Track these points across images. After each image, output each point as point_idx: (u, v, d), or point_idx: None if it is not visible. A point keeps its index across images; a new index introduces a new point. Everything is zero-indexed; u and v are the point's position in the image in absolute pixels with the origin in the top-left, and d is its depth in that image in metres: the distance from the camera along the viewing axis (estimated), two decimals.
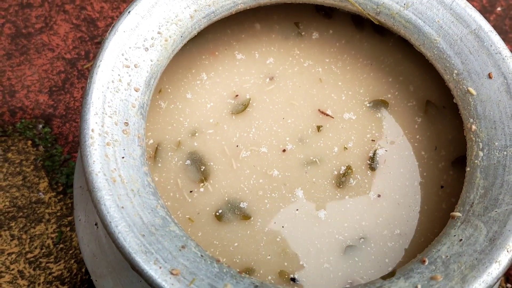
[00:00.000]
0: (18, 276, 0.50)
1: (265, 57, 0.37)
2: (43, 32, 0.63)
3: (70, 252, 0.51)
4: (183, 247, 0.25)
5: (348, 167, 0.33)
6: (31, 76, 0.60)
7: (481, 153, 0.28)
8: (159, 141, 0.31)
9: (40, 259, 0.51)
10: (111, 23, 0.63)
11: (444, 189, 0.33)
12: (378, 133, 0.35)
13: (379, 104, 0.36)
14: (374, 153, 0.34)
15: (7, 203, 0.53)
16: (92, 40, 0.62)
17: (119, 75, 0.28)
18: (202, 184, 0.31)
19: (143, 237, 0.24)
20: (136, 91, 0.28)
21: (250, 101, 0.34)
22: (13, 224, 0.52)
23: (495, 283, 0.24)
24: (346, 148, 0.34)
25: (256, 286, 0.24)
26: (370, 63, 0.37)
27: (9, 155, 0.56)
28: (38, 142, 0.56)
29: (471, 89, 0.30)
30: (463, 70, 0.31)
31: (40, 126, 0.57)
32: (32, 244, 0.51)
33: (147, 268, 0.23)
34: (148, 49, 0.29)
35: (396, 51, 0.37)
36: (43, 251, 0.51)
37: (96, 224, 0.32)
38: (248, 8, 0.33)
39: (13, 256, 0.51)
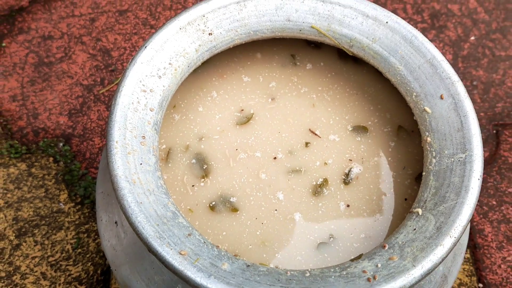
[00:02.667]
0: (41, 277, 0.55)
1: (268, 81, 0.43)
2: (63, 61, 0.69)
3: (87, 256, 0.56)
4: (189, 234, 0.31)
5: (325, 180, 0.38)
6: (52, 100, 0.66)
7: (434, 160, 0.34)
8: (171, 146, 0.37)
9: (61, 262, 0.55)
10: (123, 53, 0.69)
11: (407, 201, 0.38)
12: (356, 154, 0.40)
13: (360, 129, 0.41)
14: (349, 171, 0.39)
15: (31, 213, 0.58)
16: (107, 68, 0.68)
17: (137, 98, 0.34)
18: (203, 179, 0.36)
19: (157, 226, 0.30)
20: (151, 111, 0.35)
21: (253, 115, 0.40)
22: (36, 231, 0.57)
23: (440, 262, 0.30)
24: (326, 164, 0.39)
25: (248, 266, 0.30)
26: (356, 93, 0.43)
27: (33, 170, 0.61)
28: (58, 158, 0.62)
29: (427, 108, 0.36)
30: (420, 92, 0.37)
31: (61, 144, 0.62)
32: (54, 249, 0.56)
33: (161, 250, 0.29)
34: (161, 77, 0.35)
35: (376, 82, 0.42)
36: (63, 255, 0.56)
37: (116, 222, 0.38)
38: (244, 42, 0.40)
39: (36, 259, 0.55)
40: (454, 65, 0.66)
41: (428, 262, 0.30)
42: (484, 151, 0.60)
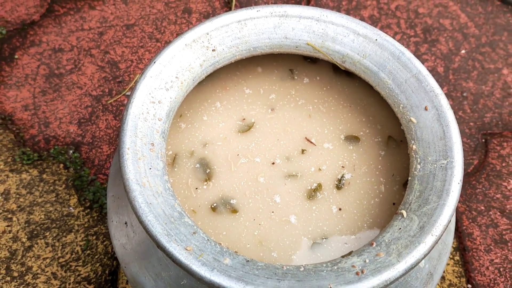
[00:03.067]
0: (51, 277, 0.57)
1: (268, 93, 0.46)
2: (73, 72, 0.72)
3: (96, 257, 0.58)
4: (194, 233, 0.34)
5: (319, 185, 0.41)
6: (63, 110, 0.69)
7: (418, 166, 0.37)
8: (177, 152, 0.40)
9: (70, 263, 0.58)
10: (130, 65, 0.72)
11: (395, 205, 0.40)
12: (348, 162, 0.42)
13: (352, 139, 0.44)
14: (342, 177, 0.42)
15: (43, 216, 0.61)
16: (115, 80, 0.71)
17: (147, 108, 0.37)
18: (205, 183, 0.39)
19: (165, 224, 0.33)
20: (159, 120, 0.38)
21: (254, 124, 0.43)
22: (47, 234, 0.60)
23: (422, 258, 0.33)
24: (321, 170, 0.42)
25: (247, 261, 0.33)
26: (349, 105, 0.46)
27: (44, 176, 0.64)
28: (69, 165, 0.65)
29: (412, 119, 0.39)
30: (407, 104, 0.40)
31: (71, 152, 0.65)
32: (64, 250, 0.59)
33: (169, 246, 0.32)
34: (168, 90, 0.39)
35: (368, 95, 0.45)
36: (73, 256, 0.58)
37: (125, 223, 0.41)
38: (244, 58, 0.43)
39: (47, 260, 0.58)
40: (445, 77, 0.69)
41: (411, 258, 0.32)
42: (473, 159, 0.63)
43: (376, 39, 0.41)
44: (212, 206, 0.39)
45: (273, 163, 0.42)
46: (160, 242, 0.32)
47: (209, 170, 0.40)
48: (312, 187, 0.41)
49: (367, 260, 0.33)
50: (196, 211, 0.39)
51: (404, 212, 0.35)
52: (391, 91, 0.40)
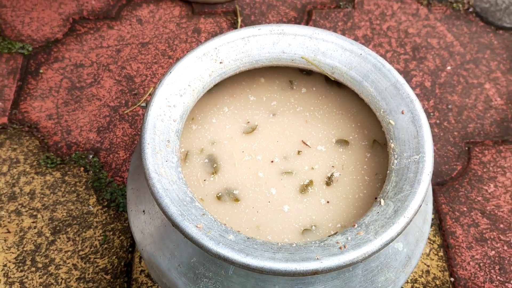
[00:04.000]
0: (72, 268, 0.62)
1: (271, 100, 0.51)
2: (93, 85, 0.77)
3: (112, 250, 0.64)
4: (203, 214, 0.40)
5: (310, 181, 0.46)
6: (83, 119, 0.74)
7: (395, 161, 0.43)
8: (189, 149, 0.47)
9: (89, 256, 0.62)
10: (145, 79, 0.79)
11: (376, 199, 0.46)
12: (338, 162, 0.47)
13: (342, 142, 0.49)
14: (331, 175, 0.46)
15: (65, 214, 0.66)
16: (131, 92, 0.77)
17: (164, 111, 0.44)
18: (212, 175, 0.46)
19: (179, 207, 0.39)
20: (174, 121, 0.44)
21: (257, 126, 0.49)
22: (69, 230, 0.64)
23: (396, 236, 0.38)
24: (313, 168, 0.47)
25: (248, 238, 0.39)
26: (341, 112, 0.52)
27: (66, 178, 0.69)
28: (88, 168, 0.70)
29: (391, 121, 0.45)
30: (386, 108, 0.46)
31: (90, 156, 0.70)
32: (84, 244, 0.63)
33: (182, 224, 0.38)
34: (182, 95, 0.45)
35: (357, 104, 0.51)
36: (91, 249, 0.63)
37: (143, 211, 0.47)
38: (248, 69, 0.49)
39: (69, 253, 0.63)
40: (432, 91, 0.75)
41: (386, 235, 0.38)
42: (457, 165, 0.69)
43: (360, 53, 0.48)
44: (218, 195, 0.45)
45: (272, 161, 0.48)
46: (175, 221, 0.38)
47: (215, 165, 0.46)
48: (305, 183, 0.47)
49: (349, 238, 0.39)
50: (204, 199, 0.45)
51: (382, 200, 0.41)
52: (373, 98, 0.47)
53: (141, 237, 0.46)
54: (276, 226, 0.44)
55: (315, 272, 0.37)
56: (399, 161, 0.43)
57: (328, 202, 0.46)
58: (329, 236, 0.40)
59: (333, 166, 0.48)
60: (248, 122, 0.50)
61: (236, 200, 0.45)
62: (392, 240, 0.38)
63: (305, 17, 0.83)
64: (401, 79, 0.46)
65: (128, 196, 0.49)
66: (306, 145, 0.50)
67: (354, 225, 0.40)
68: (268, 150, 0.49)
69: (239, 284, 0.42)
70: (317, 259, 0.37)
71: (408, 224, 0.39)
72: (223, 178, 0.46)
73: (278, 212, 0.45)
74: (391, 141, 0.45)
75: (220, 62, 0.47)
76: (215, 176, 0.46)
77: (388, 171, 0.43)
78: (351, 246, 0.38)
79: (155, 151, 0.41)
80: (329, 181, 0.47)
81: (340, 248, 0.38)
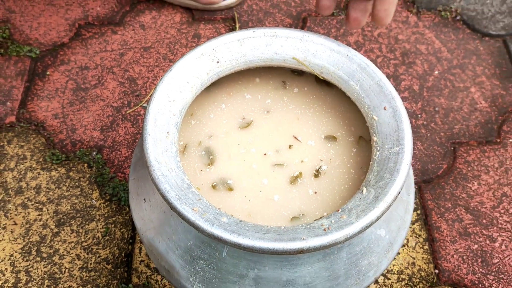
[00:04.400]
0: (76, 258, 0.65)
1: (265, 99, 0.54)
2: (97, 87, 0.80)
3: (114, 242, 0.67)
4: (199, 199, 0.43)
5: (300, 173, 0.49)
6: (87, 118, 0.77)
7: (378, 153, 0.47)
8: (187, 142, 0.50)
9: (92, 246, 0.65)
10: (147, 81, 0.82)
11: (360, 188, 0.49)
12: (326, 156, 0.50)
13: (330, 138, 0.52)
14: (319, 168, 0.49)
15: (69, 207, 0.69)
16: (133, 94, 0.81)
17: (164, 105, 0.47)
18: (208, 166, 0.49)
19: (177, 192, 0.42)
20: (174, 115, 0.48)
21: (252, 122, 0.52)
22: (73, 222, 0.68)
23: (376, 219, 0.42)
24: (303, 162, 0.50)
25: (240, 221, 0.42)
26: (330, 111, 0.55)
27: (71, 173, 0.72)
28: (92, 164, 0.73)
29: (374, 116, 0.49)
30: (370, 105, 0.50)
31: (94, 153, 0.73)
32: (86, 236, 0.66)
33: (180, 207, 0.41)
34: (181, 92, 0.49)
35: (345, 103, 0.54)
36: (94, 241, 0.66)
37: (144, 199, 0.50)
38: (243, 69, 0.53)
39: (72, 244, 0.66)
40: (420, 94, 0.79)
41: (367, 219, 0.41)
42: (442, 163, 0.72)
43: (347, 54, 0.51)
44: (213, 185, 0.48)
45: (265, 154, 0.51)
46: (173, 204, 0.42)
47: (212, 157, 0.49)
48: (294, 175, 0.50)
49: (333, 221, 0.42)
50: (200, 188, 0.48)
51: (364, 188, 0.45)
52: (358, 95, 0.50)
53: (141, 224, 0.49)
54: (267, 214, 0.47)
55: (300, 251, 0.40)
56: (381, 153, 0.46)
57: (315, 192, 0.49)
58: (315, 220, 0.43)
59: (321, 160, 0.51)
60: (244, 118, 0.53)
61: (230, 189, 0.48)
62: (372, 223, 0.42)
63: (300, 24, 0.87)
64: (384, 78, 0.50)
65: (130, 185, 0.53)
66: (297, 140, 0.53)
67: (338, 210, 0.43)
68: (261, 144, 0.52)
69: (232, 265, 0.45)
70: (303, 239, 0.40)
71: (387, 208, 0.42)
72: (219, 169, 0.49)
73: (269, 201, 0.48)
74: (374, 134, 0.48)
75: (217, 62, 0.51)
76: (211, 167, 0.49)
77: (371, 162, 0.47)
78: (334, 228, 0.41)
79: (155, 141, 0.45)
80: (317, 174, 0.50)
81: (324, 229, 0.41)
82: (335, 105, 0.55)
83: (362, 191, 0.45)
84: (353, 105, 0.52)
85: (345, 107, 0.55)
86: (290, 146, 0.52)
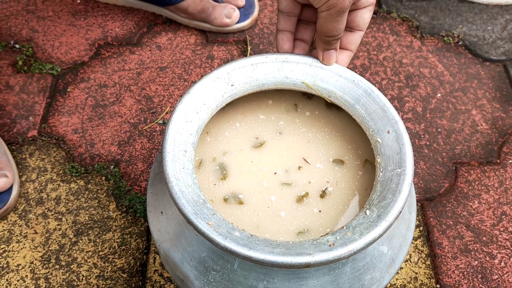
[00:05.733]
0: (93, 266, 0.68)
1: (278, 120, 0.57)
2: (115, 104, 0.83)
3: (129, 252, 0.70)
4: (213, 214, 0.46)
5: (307, 193, 0.51)
6: (106, 134, 0.79)
7: (381, 174, 0.50)
8: (202, 158, 0.54)
9: (108, 256, 0.68)
10: (162, 99, 0.85)
11: (364, 207, 0.52)
12: (333, 178, 0.52)
13: (338, 162, 0.54)
14: (326, 189, 0.51)
15: (87, 218, 0.72)
16: (149, 111, 0.84)
17: (182, 126, 0.51)
18: (221, 181, 0.52)
19: (194, 207, 0.46)
20: (191, 134, 0.51)
21: (265, 142, 0.54)
22: (90, 232, 0.71)
23: (378, 237, 0.45)
24: (310, 183, 0.52)
25: (251, 235, 0.45)
26: (339, 135, 0.58)
27: (89, 185, 0.75)
28: (109, 177, 0.76)
29: (378, 139, 0.52)
30: (375, 128, 0.53)
31: (111, 167, 0.76)
32: (103, 246, 0.69)
33: (195, 221, 0.45)
34: (198, 113, 0.52)
35: (353, 127, 0.56)
36: (110, 250, 0.68)
37: (161, 212, 0.53)
38: (255, 91, 0.56)
39: (90, 253, 0.69)
40: (423, 115, 0.82)
41: (369, 236, 0.44)
42: (444, 182, 0.75)
43: (353, 80, 0.55)
44: (225, 198, 0.51)
45: (275, 173, 0.55)
46: (190, 218, 0.45)
47: (225, 172, 0.53)
48: (301, 194, 0.53)
49: (338, 238, 0.45)
50: (213, 200, 0.51)
51: (368, 206, 0.48)
52: (364, 119, 0.54)
53: (158, 235, 0.53)
54: (273, 228, 0.50)
55: (307, 265, 0.43)
56: (384, 174, 0.50)
57: (320, 211, 0.52)
58: (321, 236, 0.47)
59: (328, 182, 0.54)
60: (257, 138, 0.56)
61: (240, 203, 0.51)
62: (375, 240, 0.45)
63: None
64: (387, 103, 0.53)
65: (148, 199, 0.56)
66: (307, 162, 0.55)
67: (343, 227, 0.46)
68: (273, 163, 0.55)
69: (243, 276, 0.48)
70: (310, 254, 0.43)
71: (389, 227, 0.46)
72: (231, 184, 0.52)
73: (276, 217, 0.51)
74: (378, 156, 0.51)
75: (231, 85, 0.54)
76: (224, 182, 0.52)
77: (374, 183, 0.50)
78: (339, 244, 0.44)
79: (174, 159, 0.48)
80: (323, 194, 0.53)
81: (330, 245, 0.44)
82: (344, 128, 0.58)
83: (366, 210, 0.48)
84: (361, 128, 0.55)
85: (353, 131, 0.58)
86: (299, 167, 0.55)
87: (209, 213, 0.46)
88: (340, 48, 0.54)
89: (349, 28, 0.52)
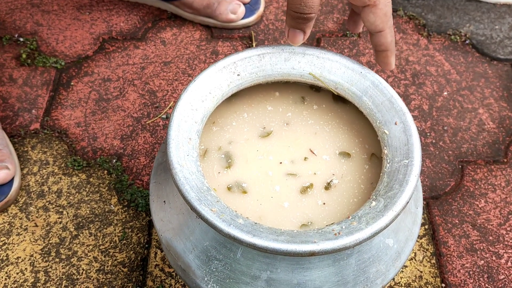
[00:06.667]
0: (93, 260, 0.67)
1: (286, 112, 0.56)
2: (118, 98, 0.83)
3: (130, 246, 0.69)
4: (217, 201, 0.45)
5: (311, 184, 0.51)
6: (108, 128, 0.80)
7: (388, 165, 0.49)
8: (208, 147, 0.53)
9: (109, 250, 0.67)
10: (166, 94, 0.86)
11: (370, 197, 0.51)
12: (338, 171, 0.52)
13: (344, 154, 0.54)
14: (331, 181, 0.51)
15: (88, 212, 0.72)
16: (153, 105, 0.84)
17: (187, 114, 0.50)
18: (226, 169, 0.51)
19: (197, 193, 0.45)
20: (196, 123, 0.51)
21: (272, 132, 0.54)
22: (91, 226, 0.70)
23: (384, 227, 0.44)
24: (315, 174, 0.51)
25: (255, 223, 0.45)
26: (347, 128, 0.57)
27: (91, 179, 0.75)
28: (111, 171, 0.76)
29: (386, 131, 0.51)
30: (382, 120, 0.52)
31: (114, 161, 0.76)
32: (104, 240, 0.69)
33: (199, 208, 0.44)
34: (203, 101, 0.52)
35: (360, 120, 0.56)
36: (111, 244, 0.68)
37: (164, 201, 0.53)
38: (262, 82, 0.56)
39: (90, 247, 0.68)
40: (429, 113, 0.81)
41: (376, 226, 0.44)
42: (450, 181, 0.74)
43: (361, 72, 0.54)
44: (228, 187, 0.51)
45: (281, 163, 0.54)
46: (193, 205, 0.44)
47: (230, 160, 0.52)
48: (306, 185, 0.52)
49: (344, 227, 0.44)
50: (216, 189, 0.51)
51: (374, 197, 0.47)
52: (371, 111, 0.53)
53: (161, 225, 0.52)
54: (276, 218, 0.49)
55: (312, 253, 0.42)
56: (391, 165, 0.49)
57: (324, 203, 0.51)
58: (326, 225, 0.46)
59: (333, 174, 0.53)
60: (265, 127, 0.55)
61: (244, 192, 0.51)
62: (381, 230, 0.44)
63: (314, 43, 0.91)
64: (395, 94, 0.53)
65: (151, 188, 0.55)
66: (313, 153, 0.55)
67: (349, 217, 0.46)
68: (279, 153, 0.54)
69: (246, 266, 0.47)
70: (314, 242, 0.43)
71: (395, 217, 0.45)
72: (235, 173, 0.52)
73: (279, 207, 0.50)
74: (385, 148, 0.51)
75: (237, 75, 0.54)
76: (228, 170, 0.52)
77: (381, 173, 0.49)
78: (344, 233, 0.43)
79: (178, 146, 0.48)
80: (327, 186, 0.52)
81: (335, 234, 0.43)
82: (352, 122, 0.57)
83: (372, 200, 0.47)
84: (368, 122, 0.54)
85: (360, 125, 0.57)
86: (305, 158, 0.54)
87: (213, 200, 0.45)
88: (375, 51, 0.52)
89: (370, 31, 0.51)
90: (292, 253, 0.42)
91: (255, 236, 0.43)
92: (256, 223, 0.44)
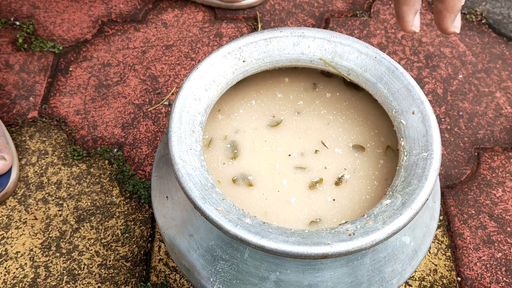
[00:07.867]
0: (95, 254, 0.65)
1: (297, 100, 0.53)
2: (119, 84, 0.81)
3: (133, 239, 0.67)
4: (223, 199, 0.43)
5: (321, 179, 0.48)
6: (109, 115, 0.78)
7: (405, 158, 0.46)
8: (213, 137, 0.50)
9: (111, 243, 0.66)
10: (168, 79, 0.83)
11: (386, 193, 0.48)
12: (351, 166, 0.49)
13: (358, 148, 0.51)
14: (342, 176, 0.48)
15: (89, 204, 0.70)
16: (154, 91, 0.81)
17: (190, 103, 0.47)
18: (232, 160, 0.48)
19: (201, 191, 0.42)
20: (199, 113, 0.47)
21: (282, 121, 0.51)
22: (93, 219, 0.68)
23: (402, 226, 0.41)
24: (326, 168, 0.49)
25: (264, 223, 0.42)
26: (361, 120, 0.54)
27: (92, 170, 0.73)
28: (113, 161, 0.73)
29: (402, 121, 0.48)
30: (398, 109, 0.49)
31: (115, 150, 0.73)
32: (106, 233, 0.67)
33: (203, 207, 0.41)
34: (207, 90, 0.48)
35: (376, 111, 0.52)
36: (113, 238, 0.66)
37: (166, 197, 0.50)
38: (269, 69, 0.52)
39: (92, 240, 0.66)
40: (443, 98, 0.78)
41: (393, 225, 0.41)
42: (466, 169, 0.71)
43: (375, 57, 0.51)
44: (233, 179, 0.48)
45: (290, 155, 0.51)
46: (197, 203, 0.41)
47: (236, 151, 0.49)
48: (315, 180, 0.49)
49: (359, 226, 0.41)
50: (220, 181, 0.48)
51: (391, 193, 0.44)
52: (386, 99, 0.50)
53: (163, 221, 0.49)
54: (282, 215, 0.47)
55: (325, 256, 0.40)
56: (408, 158, 0.45)
57: (334, 200, 0.48)
58: (339, 224, 0.43)
59: (345, 169, 0.50)
60: (274, 116, 0.52)
61: (250, 185, 0.48)
62: (399, 229, 0.41)
63: (322, 24, 0.87)
64: (412, 81, 0.49)
65: (152, 183, 0.52)
66: (325, 145, 0.52)
67: (364, 215, 0.43)
68: (288, 144, 0.51)
69: (253, 266, 0.44)
70: (328, 243, 0.40)
71: (414, 215, 0.42)
72: (241, 164, 0.49)
73: (286, 202, 0.47)
74: (401, 139, 0.47)
75: (243, 61, 0.50)
76: (234, 161, 0.49)
77: (397, 167, 0.46)
78: (360, 234, 0.40)
79: (180, 139, 0.45)
80: (338, 182, 0.49)
81: (349, 235, 0.40)
82: (367, 112, 0.54)
83: (389, 195, 0.44)
84: (384, 112, 0.51)
85: (376, 116, 0.53)
86: (316, 151, 0.51)
87: (218, 198, 0.42)
88: (434, 9, 0.43)
89: None
90: (304, 256, 0.39)
91: (264, 238, 0.40)
92: (264, 222, 0.42)
